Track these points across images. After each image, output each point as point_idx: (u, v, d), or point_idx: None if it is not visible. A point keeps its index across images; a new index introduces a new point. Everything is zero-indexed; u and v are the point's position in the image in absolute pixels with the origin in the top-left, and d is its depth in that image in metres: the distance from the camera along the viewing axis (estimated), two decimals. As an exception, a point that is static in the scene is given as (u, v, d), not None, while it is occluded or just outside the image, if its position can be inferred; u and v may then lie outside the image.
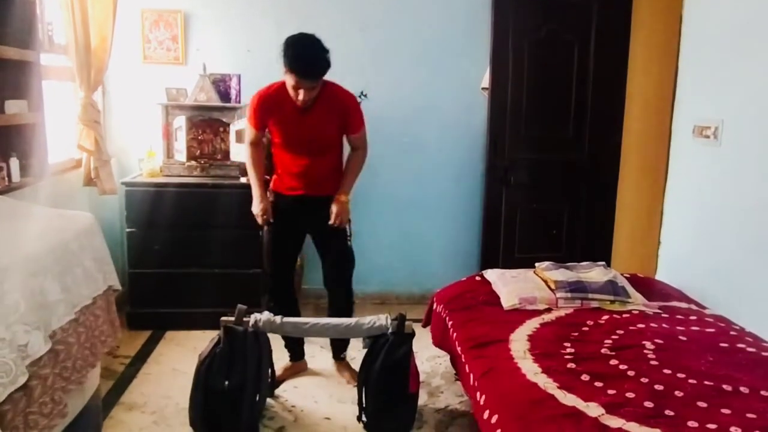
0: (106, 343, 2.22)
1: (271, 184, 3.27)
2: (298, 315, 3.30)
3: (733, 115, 3.24)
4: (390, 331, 2.77)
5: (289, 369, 3.36)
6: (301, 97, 2.88)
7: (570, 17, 4.16)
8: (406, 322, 2.80)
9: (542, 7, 4.12)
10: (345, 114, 3.06)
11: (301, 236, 3.32)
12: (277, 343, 3.17)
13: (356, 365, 3.26)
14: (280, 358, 3.28)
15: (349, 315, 3.26)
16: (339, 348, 3.37)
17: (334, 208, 3.06)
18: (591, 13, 4.16)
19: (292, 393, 3.21)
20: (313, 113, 2.99)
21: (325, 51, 2.90)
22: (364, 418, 2.85)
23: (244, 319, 2.78)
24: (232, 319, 2.79)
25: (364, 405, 2.85)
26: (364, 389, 2.83)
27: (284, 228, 3.24)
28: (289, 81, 2.88)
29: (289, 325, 2.82)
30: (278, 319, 2.81)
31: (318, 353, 3.56)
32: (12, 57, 2.85)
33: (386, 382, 2.77)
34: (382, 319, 2.80)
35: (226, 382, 2.72)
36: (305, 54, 2.84)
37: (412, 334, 2.82)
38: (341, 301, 3.31)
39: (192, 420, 2.77)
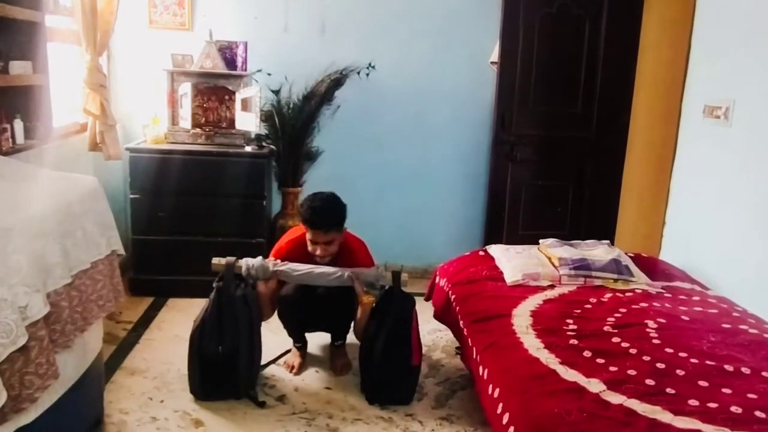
0: (104, 307, 2.21)
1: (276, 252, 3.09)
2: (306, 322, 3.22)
3: (745, 95, 3.20)
4: (386, 284, 2.84)
5: (302, 356, 3.22)
6: (318, 252, 2.87)
7: (582, -9, 4.09)
8: (402, 275, 2.86)
9: (554, -20, 4.05)
10: (353, 258, 2.99)
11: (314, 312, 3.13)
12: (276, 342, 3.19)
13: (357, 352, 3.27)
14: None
15: (347, 327, 3.18)
16: (336, 334, 3.24)
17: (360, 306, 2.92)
18: (604, -12, 4.09)
19: (293, 362, 3.22)
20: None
21: (340, 205, 2.91)
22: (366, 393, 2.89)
23: (237, 264, 2.81)
24: (223, 262, 2.81)
25: (365, 377, 2.87)
26: (366, 362, 2.85)
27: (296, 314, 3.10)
28: (308, 236, 2.90)
29: (283, 271, 2.84)
30: (270, 264, 2.83)
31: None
32: (16, 16, 2.81)
33: (388, 355, 2.78)
34: (381, 269, 2.88)
35: (220, 347, 2.74)
36: (318, 206, 2.85)
37: (413, 300, 2.87)
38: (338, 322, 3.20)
39: (192, 387, 2.82)
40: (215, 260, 2.89)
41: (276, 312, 3.08)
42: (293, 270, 2.88)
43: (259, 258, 2.90)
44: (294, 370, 3.12)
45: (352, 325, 3.03)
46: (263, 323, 2.98)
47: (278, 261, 2.91)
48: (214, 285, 2.83)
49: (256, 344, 2.87)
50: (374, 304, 2.85)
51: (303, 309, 3.04)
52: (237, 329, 2.76)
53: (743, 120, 3.22)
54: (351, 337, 3.20)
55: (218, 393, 2.81)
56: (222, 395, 2.82)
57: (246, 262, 2.86)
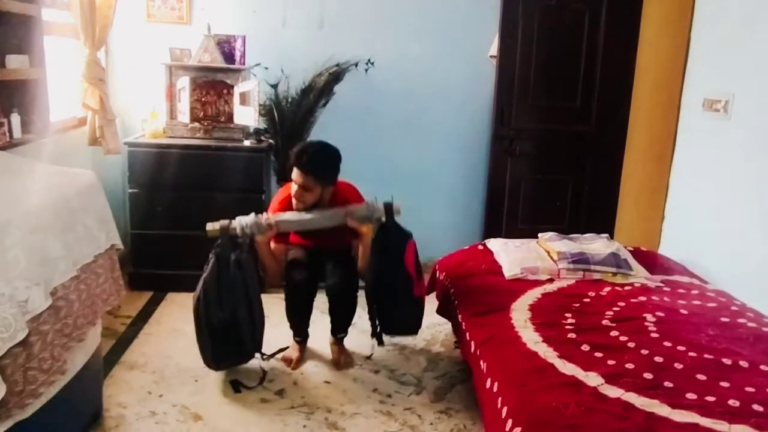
0: (107, 301, 2.22)
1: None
2: (309, 317, 3.22)
3: (745, 89, 3.20)
4: (381, 216, 2.88)
5: (301, 350, 3.20)
6: (293, 192, 2.87)
7: (582, -15, 4.08)
8: (395, 204, 2.93)
9: (554, -26, 4.04)
10: (345, 202, 3.01)
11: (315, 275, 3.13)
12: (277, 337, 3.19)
13: (358, 347, 3.29)
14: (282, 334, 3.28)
15: (349, 317, 3.19)
16: (339, 327, 3.21)
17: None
18: (603, -19, 4.08)
19: (291, 356, 3.22)
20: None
21: (330, 159, 2.92)
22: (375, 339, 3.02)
23: (231, 226, 2.83)
24: (217, 227, 2.82)
25: (372, 313, 2.96)
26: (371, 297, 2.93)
27: (298, 276, 3.05)
28: (292, 177, 2.90)
29: (278, 222, 2.85)
30: (263, 219, 2.84)
31: (319, 319, 3.56)
32: (13, 10, 2.80)
33: (390, 287, 2.86)
34: (373, 203, 2.92)
35: (221, 313, 2.75)
36: (310, 149, 2.87)
37: (409, 233, 2.96)
38: (342, 313, 3.20)
39: (204, 359, 2.85)
40: (209, 225, 2.87)
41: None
42: (287, 219, 2.88)
43: (252, 215, 2.88)
44: (292, 364, 3.12)
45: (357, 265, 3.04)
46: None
47: (270, 215, 2.91)
48: (212, 252, 2.83)
49: (255, 308, 2.85)
50: (374, 234, 2.89)
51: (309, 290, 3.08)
52: (234, 294, 2.77)
53: (742, 113, 3.21)
54: (352, 340, 3.21)
55: (229, 359, 2.85)
56: (233, 361, 2.86)
57: (239, 222, 2.85)
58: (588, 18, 4.12)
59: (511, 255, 3.12)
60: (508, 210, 4.30)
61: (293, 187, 2.89)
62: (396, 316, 2.95)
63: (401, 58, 4.28)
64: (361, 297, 3.07)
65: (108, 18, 3.66)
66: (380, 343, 3.10)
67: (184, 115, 3.91)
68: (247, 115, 3.83)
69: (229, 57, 3.97)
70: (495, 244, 3.32)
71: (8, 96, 2.89)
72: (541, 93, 4.17)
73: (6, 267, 1.62)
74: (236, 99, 3.90)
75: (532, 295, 2.77)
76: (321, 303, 3.61)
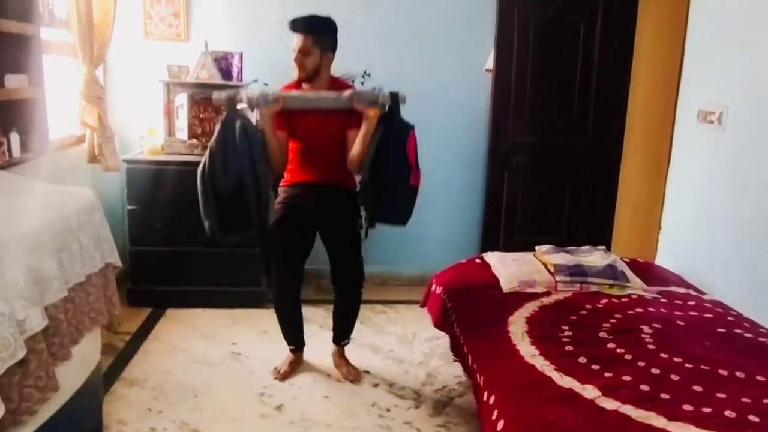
0: (95, 320, 2.22)
1: (282, 182, 3.12)
2: (301, 321, 3.25)
3: (739, 101, 3.22)
4: (385, 102, 2.83)
5: (294, 362, 3.22)
6: (294, 59, 2.87)
7: (576, -2, 4.12)
8: (401, 94, 2.89)
9: (548, -14, 4.08)
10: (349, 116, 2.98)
11: (311, 237, 3.14)
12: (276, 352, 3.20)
13: (356, 361, 3.29)
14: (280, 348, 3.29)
15: (354, 317, 3.24)
16: (341, 333, 3.24)
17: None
18: (598, -7, 4.12)
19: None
20: (322, 114, 2.96)
21: (327, 20, 2.92)
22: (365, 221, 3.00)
23: (238, 96, 2.80)
24: (224, 96, 2.77)
25: (366, 195, 2.92)
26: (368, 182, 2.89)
27: (294, 226, 3.06)
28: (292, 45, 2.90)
29: (284, 97, 2.81)
30: (270, 92, 2.80)
31: (317, 333, 3.57)
32: (11, 30, 2.83)
33: (390, 174, 2.85)
34: (378, 89, 2.85)
35: (226, 182, 2.72)
36: (306, 15, 2.89)
37: (411, 125, 2.93)
38: (348, 308, 3.24)
39: (210, 229, 2.83)
40: (215, 94, 2.83)
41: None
42: (294, 95, 2.86)
43: (259, 88, 2.88)
44: (279, 375, 3.12)
45: (355, 155, 2.91)
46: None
47: (277, 90, 2.88)
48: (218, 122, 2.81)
49: (261, 176, 2.77)
50: (378, 116, 2.85)
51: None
52: (240, 162, 2.73)
53: (737, 125, 3.24)
54: (356, 351, 3.21)
55: (235, 229, 2.82)
56: (238, 230, 2.82)
57: (246, 91, 2.84)
58: (583, 30, 4.15)
59: (508, 268, 3.13)
60: (506, 222, 4.32)
61: (293, 55, 2.89)
62: (391, 205, 2.92)
63: (398, 72, 4.29)
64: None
65: (106, 36, 3.69)
66: (372, 226, 3.03)
67: (182, 132, 3.94)
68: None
69: (226, 73, 4.00)
70: (492, 258, 3.33)
71: (7, 115, 2.91)
72: (537, 106, 4.19)
73: (5, 287, 1.63)
74: (234, 115, 3.92)
75: (530, 308, 2.78)
76: (318, 317, 3.64)
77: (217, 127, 2.76)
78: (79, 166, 3.74)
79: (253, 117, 3.09)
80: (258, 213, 2.77)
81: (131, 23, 4.12)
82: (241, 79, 4.00)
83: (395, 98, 2.86)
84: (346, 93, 2.81)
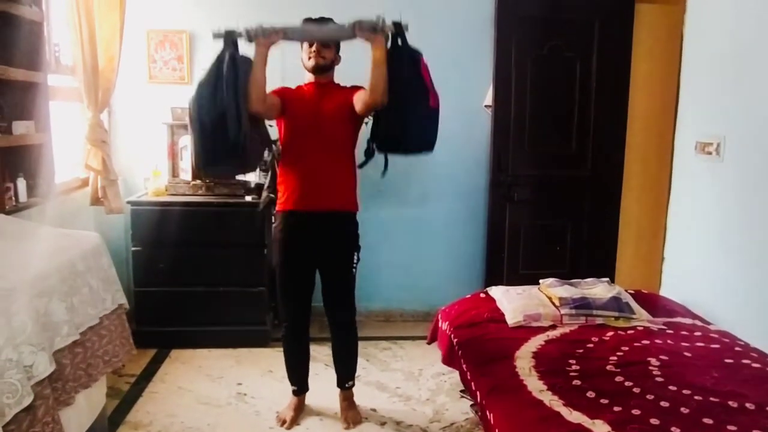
0: (110, 362, 2.23)
1: (277, 206, 3.07)
2: (308, 361, 3.20)
3: (736, 131, 3.26)
4: (387, 30, 2.75)
5: (297, 407, 3.14)
6: (313, 54, 2.84)
7: (572, 34, 4.20)
8: (403, 22, 2.80)
9: (544, 24, 4.15)
10: (350, 89, 2.98)
11: (313, 272, 3.07)
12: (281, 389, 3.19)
13: (363, 400, 3.26)
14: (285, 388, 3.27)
15: (353, 355, 3.19)
16: (345, 374, 3.18)
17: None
18: (593, 30, 4.20)
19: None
20: (325, 100, 2.92)
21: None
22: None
23: (237, 30, 2.76)
24: (223, 29, 2.76)
25: (386, 126, 2.85)
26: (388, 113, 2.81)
27: (296, 264, 3.01)
28: (305, 47, 2.89)
29: (283, 29, 2.77)
30: (269, 25, 2.76)
31: (323, 371, 3.56)
32: (19, 78, 2.89)
33: (407, 101, 2.78)
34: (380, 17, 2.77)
35: (213, 113, 2.70)
36: (317, 18, 2.89)
37: (419, 51, 2.84)
38: (343, 343, 3.18)
39: (197, 162, 2.88)
40: (214, 29, 2.79)
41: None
42: (294, 27, 2.82)
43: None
44: (285, 425, 3.05)
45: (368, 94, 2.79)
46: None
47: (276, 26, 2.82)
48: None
49: (242, 108, 2.74)
50: (387, 40, 2.78)
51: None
52: (226, 94, 2.71)
53: (734, 155, 3.27)
54: (362, 389, 3.19)
55: (218, 164, 2.82)
56: (222, 166, 2.85)
57: (245, 26, 2.78)
58: (579, 66, 4.22)
59: (513, 302, 3.13)
60: (509, 256, 4.32)
61: (311, 53, 2.86)
62: (414, 132, 2.86)
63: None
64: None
65: (111, 81, 3.75)
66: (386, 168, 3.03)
67: (186, 173, 3.98)
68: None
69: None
70: (497, 292, 3.33)
71: (15, 161, 2.95)
72: (537, 139, 4.24)
73: (13, 333, 1.64)
74: (237, 155, 3.96)
75: (536, 342, 2.78)
76: (324, 356, 3.62)
77: (213, 60, 2.77)
78: (84, 209, 3.77)
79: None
80: (237, 145, 2.73)
81: (136, 67, 4.19)
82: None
83: (398, 26, 2.81)
84: (349, 24, 2.75)
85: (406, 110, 2.80)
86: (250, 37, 2.74)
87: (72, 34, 3.45)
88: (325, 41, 2.88)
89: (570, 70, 4.22)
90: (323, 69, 2.91)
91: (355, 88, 2.92)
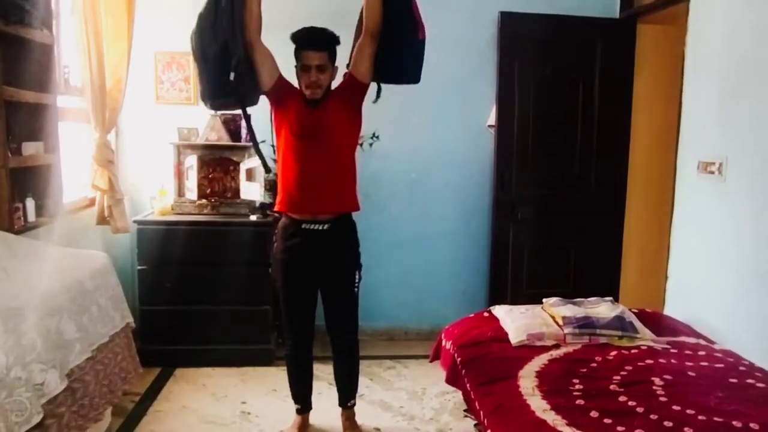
0: (126, 379, 2.25)
1: (276, 205, 3.00)
2: (311, 379, 3.20)
3: (738, 151, 3.28)
4: None
5: (300, 426, 3.13)
6: (312, 78, 2.80)
7: (574, 56, 4.25)
8: None
9: (546, 46, 4.21)
10: (343, 83, 2.96)
11: (316, 289, 3.04)
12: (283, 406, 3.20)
13: (366, 419, 3.26)
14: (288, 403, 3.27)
15: (355, 373, 3.18)
16: (347, 393, 3.17)
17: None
18: (595, 52, 4.25)
19: None
20: (324, 105, 2.88)
21: (333, 33, 2.87)
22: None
23: None
24: None
25: (378, 53, 2.84)
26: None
27: (296, 281, 2.99)
28: (301, 68, 2.84)
29: None
30: None
31: (326, 390, 3.56)
32: (30, 100, 2.94)
33: (398, 32, 2.79)
34: None
35: (214, 45, 2.72)
36: (311, 29, 2.86)
37: None
38: (346, 362, 3.16)
39: (201, 93, 2.88)
40: None
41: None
42: None
43: None
44: None
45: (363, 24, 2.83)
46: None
47: None
48: None
49: (238, 36, 2.73)
50: None
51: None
52: (226, 26, 2.72)
53: (737, 175, 3.28)
54: (365, 409, 3.19)
55: (222, 96, 2.84)
56: (227, 97, 2.84)
57: None
58: (582, 87, 4.27)
59: (516, 321, 3.14)
60: (513, 274, 4.34)
61: (309, 76, 2.81)
62: (404, 60, 2.88)
63: (403, 128, 4.39)
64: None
65: (118, 102, 3.81)
66: (378, 95, 2.99)
67: (191, 192, 4.02)
68: (253, 191, 3.93)
69: (235, 135, 4.10)
70: (500, 311, 3.34)
71: (24, 181, 2.99)
72: (540, 159, 4.27)
73: (23, 351, 1.66)
74: (242, 175, 4.01)
75: (539, 361, 2.78)
76: (327, 374, 3.61)
77: None
78: (91, 228, 3.80)
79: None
80: (236, 73, 2.74)
81: (143, 88, 4.25)
82: (249, 141, 4.09)
83: None
84: None
85: (397, 40, 2.82)
86: None
87: (81, 57, 3.51)
88: None
89: (573, 91, 4.27)
90: (320, 100, 2.87)
91: (345, 76, 2.93)
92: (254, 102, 2.98)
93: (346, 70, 2.96)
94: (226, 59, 2.72)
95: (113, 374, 2.13)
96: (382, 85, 2.99)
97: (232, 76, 2.71)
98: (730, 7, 3.31)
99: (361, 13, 2.88)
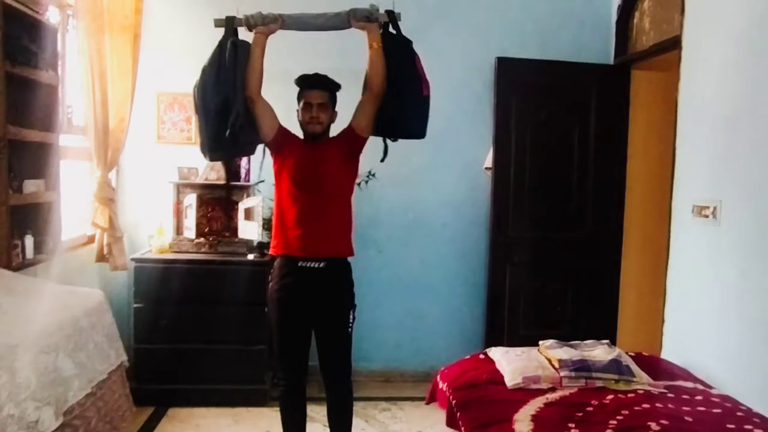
0: (123, 417, 2.24)
1: (271, 249, 3.03)
2: (304, 422, 3.16)
3: (732, 195, 3.31)
4: (380, 19, 2.83)
5: None
6: (313, 113, 2.90)
7: (570, 100, 4.33)
8: (396, 12, 2.88)
9: (543, 90, 4.29)
10: (343, 132, 3.02)
11: (309, 329, 3.04)
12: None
13: None
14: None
15: (348, 416, 3.14)
16: (340, 426, 3.13)
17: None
18: (590, 97, 4.33)
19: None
20: (322, 147, 2.96)
21: (335, 80, 2.99)
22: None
23: (237, 18, 2.83)
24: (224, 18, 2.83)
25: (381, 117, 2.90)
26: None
27: (290, 320, 2.99)
28: (303, 106, 2.95)
29: (282, 16, 2.82)
30: (269, 13, 2.81)
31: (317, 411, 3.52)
32: (33, 139, 2.99)
33: (400, 90, 2.84)
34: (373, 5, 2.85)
35: (217, 98, 2.76)
36: (315, 73, 2.98)
37: (410, 40, 2.91)
38: (339, 402, 3.12)
39: (201, 147, 2.93)
40: (216, 17, 2.87)
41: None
42: (292, 15, 2.86)
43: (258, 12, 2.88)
44: None
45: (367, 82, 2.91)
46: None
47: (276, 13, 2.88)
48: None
49: (239, 92, 2.81)
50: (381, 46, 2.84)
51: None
52: (228, 79, 2.77)
53: (731, 219, 3.31)
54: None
55: (221, 149, 2.89)
56: (224, 151, 2.90)
57: (245, 14, 2.85)
58: (578, 130, 4.33)
59: (512, 364, 3.12)
60: (510, 316, 4.34)
61: (310, 112, 2.91)
62: (408, 116, 2.92)
63: (400, 169, 4.41)
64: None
65: (120, 141, 3.86)
66: (385, 155, 3.07)
67: (190, 231, 4.04)
68: (251, 230, 3.95)
69: (234, 174, 4.14)
70: (496, 353, 3.32)
71: (24, 218, 3.01)
72: (536, 202, 4.31)
73: (17, 389, 1.66)
74: (241, 214, 4.04)
75: (535, 404, 2.76)
76: (323, 416, 3.57)
77: (215, 48, 2.84)
78: (89, 265, 3.81)
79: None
80: (234, 126, 2.79)
81: (145, 128, 4.31)
82: (248, 180, 4.14)
83: (391, 14, 2.90)
84: (343, 12, 2.85)
85: (402, 95, 2.89)
86: (250, 25, 2.83)
87: (85, 97, 3.57)
88: (322, 30, 2.96)
89: (568, 134, 4.33)
90: (320, 136, 2.97)
91: (346, 128, 2.99)
92: (251, 152, 3.09)
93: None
94: (226, 114, 2.79)
95: (113, 410, 2.12)
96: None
97: (227, 133, 2.78)
98: (721, 54, 3.38)
99: (367, 72, 2.96)
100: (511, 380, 3.00)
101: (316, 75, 2.97)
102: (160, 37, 4.27)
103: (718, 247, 3.42)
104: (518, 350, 3.33)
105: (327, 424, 3.23)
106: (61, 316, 2.07)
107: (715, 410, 2.74)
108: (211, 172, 4.07)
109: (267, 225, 4.06)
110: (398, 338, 4.55)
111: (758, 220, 3.09)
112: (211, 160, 3.05)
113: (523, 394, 2.88)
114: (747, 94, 3.21)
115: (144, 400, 3.86)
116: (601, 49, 4.51)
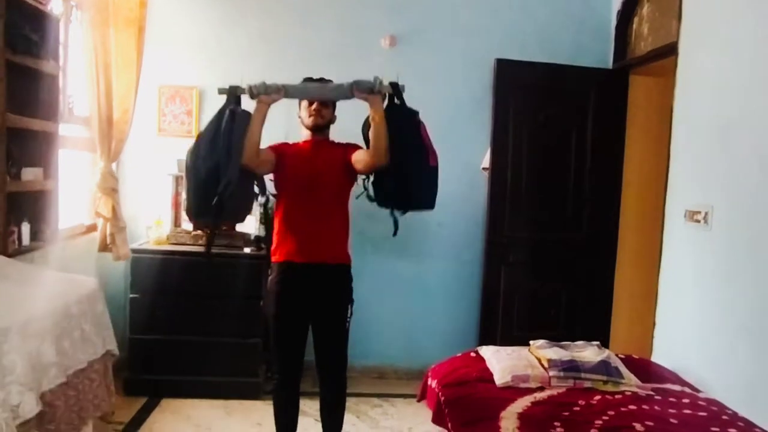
0: (99, 407, 2.25)
1: (272, 257, 3.10)
2: (296, 417, 3.17)
3: (722, 201, 3.33)
4: (384, 90, 2.85)
5: None
6: (314, 109, 2.97)
7: (568, 103, 4.34)
8: (400, 84, 2.90)
9: (541, 93, 4.30)
10: (346, 146, 3.08)
11: (307, 325, 3.06)
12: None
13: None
14: None
15: (341, 412, 3.17)
16: (331, 429, 3.15)
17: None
18: (588, 100, 4.35)
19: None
20: (321, 157, 3.01)
21: None
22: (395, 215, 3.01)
23: (240, 87, 2.86)
24: (227, 87, 2.87)
25: (388, 190, 2.94)
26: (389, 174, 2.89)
27: (288, 313, 3.02)
28: (306, 107, 3.01)
29: (285, 86, 2.86)
30: (272, 83, 2.84)
31: (311, 426, 3.54)
32: (32, 127, 3.02)
33: (408, 162, 2.86)
34: (377, 77, 2.86)
35: (209, 163, 2.78)
36: (318, 78, 3.03)
37: (416, 111, 2.94)
38: (333, 397, 3.15)
39: (186, 209, 2.95)
40: (219, 86, 2.92)
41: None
42: (295, 86, 2.91)
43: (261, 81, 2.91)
44: None
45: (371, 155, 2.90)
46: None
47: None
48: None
49: (232, 160, 2.81)
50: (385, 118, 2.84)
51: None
52: (223, 144, 2.79)
53: (722, 224, 3.32)
54: None
55: (206, 215, 2.88)
56: (209, 215, 2.85)
57: (248, 83, 2.87)
58: (575, 133, 4.35)
59: (502, 362, 3.14)
60: (504, 317, 4.35)
61: (312, 110, 2.97)
62: (415, 189, 2.93)
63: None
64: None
65: (124, 133, 3.89)
66: (397, 228, 3.07)
67: (188, 223, 4.06)
68: (248, 224, 3.98)
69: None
70: (487, 352, 3.34)
71: (21, 206, 3.05)
72: (533, 203, 4.33)
73: (2, 372, 1.69)
74: (239, 208, 4.06)
75: (522, 403, 2.78)
76: (315, 411, 3.60)
77: (215, 114, 2.88)
78: (86, 254, 3.84)
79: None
80: (222, 195, 2.80)
81: (146, 120, 4.33)
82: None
83: (395, 87, 2.92)
84: (346, 83, 2.87)
85: (407, 168, 2.89)
86: (253, 94, 2.86)
87: (89, 88, 3.61)
88: (324, 100, 3.00)
89: (566, 137, 4.35)
90: (322, 128, 3.04)
91: (351, 146, 3.04)
92: (240, 221, 3.17)
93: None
94: (216, 180, 2.81)
95: (86, 401, 2.13)
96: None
97: (215, 200, 2.79)
98: (716, 61, 3.40)
99: (367, 118, 2.98)
100: (500, 378, 3.02)
101: (321, 79, 3.03)
102: (164, 30, 4.30)
103: (708, 253, 3.43)
104: (509, 349, 3.35)
105: (319, 418, 3.25)
106: (52, 303, 2.09)
107: (700, 413, 2.76)
108: (210, 165, 4.09)
109: (264, 219, 4.09)
110: (393, 335, 4.57)
111: (748, 225, 3.11)
112: (195, 226, 3.05)
113: (512, 392, 2.90)
114: (740, 102, 3.23)
115: (137, 391, 3.90)
116: (600, 53, 4.52)
